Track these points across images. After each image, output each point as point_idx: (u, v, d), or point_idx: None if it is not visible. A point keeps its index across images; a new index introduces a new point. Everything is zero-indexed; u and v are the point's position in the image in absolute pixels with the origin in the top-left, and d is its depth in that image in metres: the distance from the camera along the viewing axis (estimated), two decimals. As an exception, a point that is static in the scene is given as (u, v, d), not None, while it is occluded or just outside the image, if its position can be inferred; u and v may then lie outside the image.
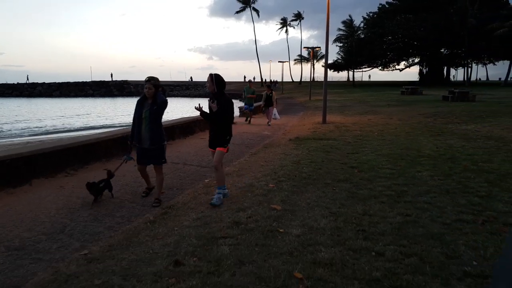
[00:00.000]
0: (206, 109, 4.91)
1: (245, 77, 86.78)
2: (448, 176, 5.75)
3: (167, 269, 3.03)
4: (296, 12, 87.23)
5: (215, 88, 4.74)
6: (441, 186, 5.23)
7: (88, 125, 22.86)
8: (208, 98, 4.91)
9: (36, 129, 21.44)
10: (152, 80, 4.92)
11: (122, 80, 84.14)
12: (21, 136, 18.52)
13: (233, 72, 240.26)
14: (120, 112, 33.62)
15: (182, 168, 7.20)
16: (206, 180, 6.21)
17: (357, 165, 6.61)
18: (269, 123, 14.83)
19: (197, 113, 4.94)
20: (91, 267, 3.15)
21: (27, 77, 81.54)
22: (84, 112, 33.35)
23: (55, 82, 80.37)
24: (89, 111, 34.51)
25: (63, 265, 3.25)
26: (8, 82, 79.15)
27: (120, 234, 3.92)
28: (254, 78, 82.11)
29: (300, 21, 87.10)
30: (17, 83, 78.79)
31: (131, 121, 5.17)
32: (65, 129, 21.13)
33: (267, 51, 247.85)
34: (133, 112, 5.11)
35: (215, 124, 4.87)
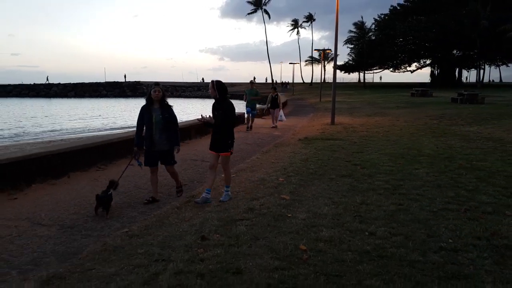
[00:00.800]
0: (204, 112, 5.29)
1: (254, 78, 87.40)
2: (443, 173, 6.33)
3: (195, 242, 3.71)
4: (307, 14, 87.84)
5: (217, 94, 5.01)
6: (434, 181, 5.81)
7: (112, 126, 23.71)
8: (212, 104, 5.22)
9: (68, 128, 22.56)
10: (159, 84, 5.34)
11: (135, 81, 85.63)
12: (56, 134, 19.57)
13: (244, 73, 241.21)
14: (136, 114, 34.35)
15: (201, 164, 7.90)
16: (222, 175, 6.88)
17: (360, 163, 7.21)
18: (275, 125, 14.86)
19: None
20: (133, 241, 3.85)
21: (47, 78, 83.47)
22: (105, 114, 34.21)
23: (70, 83, 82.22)
24: (110, 113, 35.32)
25: (109, 239, 3.95)
26: (24, 82, 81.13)
27: (153, 217, 4.61)
28: (254, 78, 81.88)
29: (311, 22, 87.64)
30: (34, 83, 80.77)
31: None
32: (95, 129, 22.08)
33: (278, 52, 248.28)
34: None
35: (218, 128, 5.10)
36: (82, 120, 27.47)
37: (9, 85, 79.08)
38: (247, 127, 13.69)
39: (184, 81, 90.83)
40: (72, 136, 17.86)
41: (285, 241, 3.66)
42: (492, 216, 4.23)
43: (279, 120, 15.30)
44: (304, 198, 5.09)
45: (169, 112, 5.32)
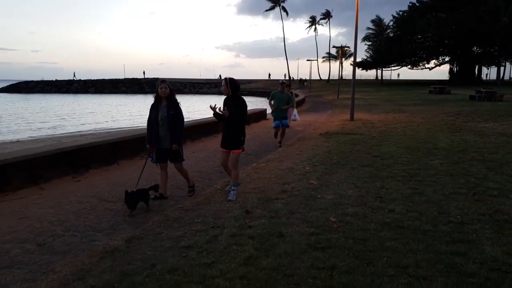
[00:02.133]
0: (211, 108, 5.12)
1: (269, 75, 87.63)
2: (456, 163, 6.91)
3: (241, 215, 4.45)
4: (325, 11, 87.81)
5: (230, 91, 5.10)
6: (447, 170, 6.41)
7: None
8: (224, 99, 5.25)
9: (108, 121, 23.99)
10: (166, 81, 5.26)
11: (154, 78, 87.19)
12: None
13: (260, 69, 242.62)
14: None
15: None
16: (253, 164, 7.61)
17: (379, 155, 7.84)
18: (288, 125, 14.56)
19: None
20: (189, 214, 4.60)
21: (74, 74, 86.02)
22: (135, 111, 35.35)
23: (90, 79, 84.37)
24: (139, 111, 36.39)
25: (168, 212, 4.72)
26: (45, 78, 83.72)
27: (200, 197, 5.36)
28: (286, 76, 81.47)
29: (328, 19, 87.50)
30: (56, 79, 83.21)
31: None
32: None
33: (295, 48, 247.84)
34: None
35: (230, 125, 5.16)
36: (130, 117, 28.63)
37: (32, 81, 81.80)
38: (279, 143, 9.96)
39: (201, 78, 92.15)
40: (115, 129, 19.00)
41: (317, 215, 4.37)
42: (497, 199, 4.84)
43: (292, 120, 14.04)
44: (330, 183, 5.77)
45: (175, 109, 5.17)
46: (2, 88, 76.66)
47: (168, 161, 5.36)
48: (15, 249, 3.68)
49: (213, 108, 5.01)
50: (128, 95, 70.53)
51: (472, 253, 3.34)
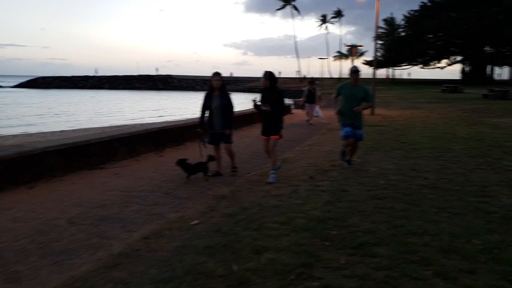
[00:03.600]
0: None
1: (279, 73, 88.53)
2: (474, 148, 8.05)
3: (308, 178, 5.66)
4: (336, 9, 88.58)
5: (269, 83, 5.66)
6: (467, 153, 7.55)
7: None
8: (259, 95, 5.85)
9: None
10: (220, 74, 6.09)
11: (166, 75, 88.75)
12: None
13: (268, 67, 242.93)
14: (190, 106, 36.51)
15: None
16: (297, 147, 8.80)
17: (406, 141, 9.00)
18: (310, 121, 14.16)
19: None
20: (264, 178, 5.78)
21: (96, 70, 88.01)
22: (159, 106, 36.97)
23: (105, 76, 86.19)
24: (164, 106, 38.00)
25: (248, 176, 5.93)
26: (56, 74, 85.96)
27: (264, 169, 6.56)
28: (298, 74, 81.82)
29: (339, 18, 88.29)
30: (73, 76, 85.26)
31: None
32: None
33: (304, 46, 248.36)
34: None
35: (269, 113, 5.64)
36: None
37: (49, 76, 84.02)
38: (347, 161, 6.62)
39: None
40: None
41: (368, 180, 5.56)
42: None
43: (315, 116, 14.60)
44: (371, 161, 6.95)
45: (227, 98, 6.00)
46: (21, 83, 78.90)
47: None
48: (150, 195, 4.95)
49: (255, 104, 5.70)
50: (142, 91, 72.18)
51: (493, 202, 4.51)
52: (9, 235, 3.77)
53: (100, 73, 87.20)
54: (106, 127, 16.79)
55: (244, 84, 76.84)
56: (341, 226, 3.70)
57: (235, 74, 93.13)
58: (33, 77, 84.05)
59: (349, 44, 47.36)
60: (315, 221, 3.83)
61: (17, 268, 3.12)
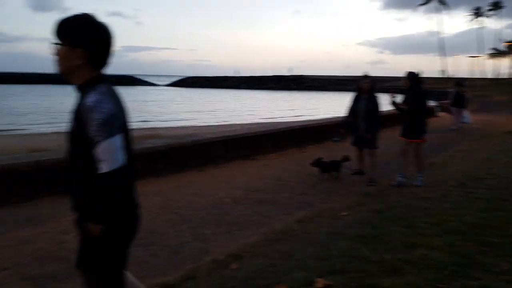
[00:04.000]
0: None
1: (421, 72, 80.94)
2: None
3: (456, 185, 5.40)
4: (493, 1, 77.11)
5: (409, 82, 5.54)
6: None
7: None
8: (400, 95, 5.77)
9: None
10: (369, 77, 6.11)
11: (299, 75, 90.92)
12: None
13: (407, 66, 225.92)
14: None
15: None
16: (443, 153, 8.29)
17: None
18: (453, 127, 12.67)
19: None
20: (383, 193, 5.41)
21: (235, 71, 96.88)
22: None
23: (243, 76, 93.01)
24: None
25: (388, 181, 5.97)
26: (200, 75, 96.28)
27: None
28: (443, 74, 74.38)
29: (497, 10, 76.68)
30: (215, 76, 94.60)
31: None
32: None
33: (449, 43, 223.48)
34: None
35: (411, 115, 5.49)
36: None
37: (195, 76, 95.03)
38: None
39: (345, 74, 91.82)
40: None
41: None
42: None
43: (462, 122, 13.14)
44: None
45: (374, 102, 5.92)
46: (173, 83, 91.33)
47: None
48: (297, 186, 5.51)
49: (394, 100, 5.65)
50: (275, 91, 75.41)
51: None
52: (193, 206, 4.71)
53: (240, 74, 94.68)
54: (253, 124, 18.38)
55: (381, 84, 73.44)
56: (501, 235, 3.54)
57: (370, 74, 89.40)
58: (182, 77, 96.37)
59: (510, 39, 40.49)
60: (469, 226, 3.75)
61: (203, 231, 3.94)
